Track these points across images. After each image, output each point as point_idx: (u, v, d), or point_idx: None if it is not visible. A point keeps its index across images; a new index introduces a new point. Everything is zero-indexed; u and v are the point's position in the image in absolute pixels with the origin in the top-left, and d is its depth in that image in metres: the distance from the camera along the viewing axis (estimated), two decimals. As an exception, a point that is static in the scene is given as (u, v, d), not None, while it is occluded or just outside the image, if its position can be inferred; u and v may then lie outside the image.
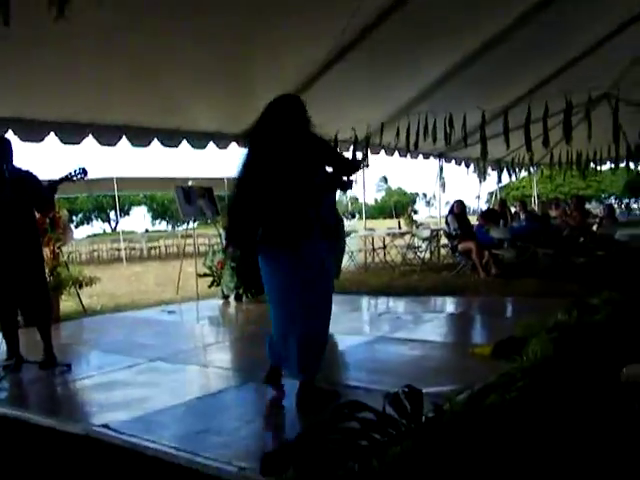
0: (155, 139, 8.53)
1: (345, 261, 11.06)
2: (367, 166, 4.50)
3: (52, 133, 7.52)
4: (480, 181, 15.69)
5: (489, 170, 15.53)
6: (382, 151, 11.33)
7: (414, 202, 77.09)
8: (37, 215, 5.92)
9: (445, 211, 13.50)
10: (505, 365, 4.13)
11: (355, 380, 4.58)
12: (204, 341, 7.31)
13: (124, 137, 8.19)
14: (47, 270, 7.05)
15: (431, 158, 13.67)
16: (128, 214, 55.85)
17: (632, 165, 13.52)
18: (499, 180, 16.70)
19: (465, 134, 10.31)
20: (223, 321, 8.83)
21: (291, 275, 4.06)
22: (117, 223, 51.82)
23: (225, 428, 3.83)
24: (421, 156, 12.99)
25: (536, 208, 18.57)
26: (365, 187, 15.59)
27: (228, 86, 8.02)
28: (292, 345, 4.10)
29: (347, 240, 11.22)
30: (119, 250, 24.45)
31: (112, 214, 54.71)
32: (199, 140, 9.09)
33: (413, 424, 2.87)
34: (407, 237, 14.06)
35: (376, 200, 78.52)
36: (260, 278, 4.26)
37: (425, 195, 79.81)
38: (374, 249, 14.28)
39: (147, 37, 6.40)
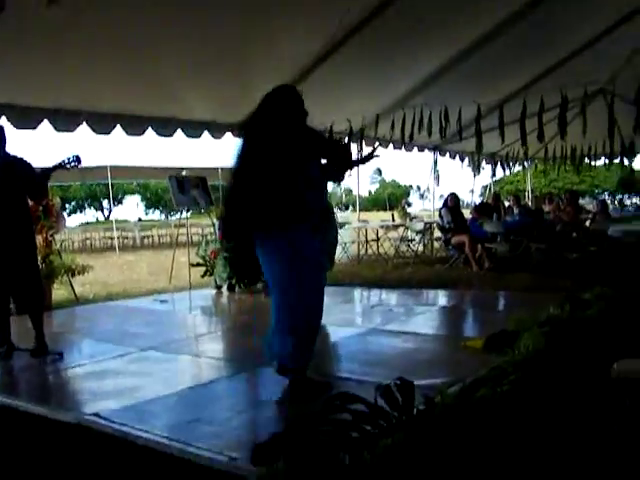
0: (149, 128, 8.49)
1: (338, 253, 11.07)
2: (377, 156, 4.50)
3: (46, 120, 7.47)
4: (474, 175, 15.71)
5: (483, 164, 15.55)
6: (377, 143, 11.31)
7: (408, 194, 77.06)
8: (30, 202, 5.90)
9: (439, 204, 13.52)
10: (497, 358, 4.14)
11: (347, 372, 4.59)
12: (196, 331, 7.30)
13: (118, 125, 8.16)
14: (39, 258, 7.03)
15: (426, 151, 13.67)
16: (121, 203, 55.73)
17: (626, 161, 13.56)
18: (493, 174, 16.73)
19: (460, 127, 10.32)
20: (215, 311, 8.83)
21: (283, 265, 4.08)
22: (110, 212, 51.72)
23: (216, 418, 3.83)
24: (416, 149, 12.99)
25: (530, 202, 18.62)
26: (359, 179, 15.54)
27: (224, 76, 7.99)
28: (283, 334, 4.11)
29: (340, 232, 11.22)
30: (112, 239, 24.40)
31: (105, 202, 54.57)
32: (194, 129, 9.06)
33: (404, 416, 2.87)
34: (400, 229, 14.06)
35: (370, 192, 78.47)
36: (253, 268, 4.27)
37: (419, 188, 79.80)
38: (367, 241, 14.29)
39: (143, 25, 6.38)
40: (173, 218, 39.27)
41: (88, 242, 25.83)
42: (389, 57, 8.45)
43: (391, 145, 11.86)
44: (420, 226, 13.78)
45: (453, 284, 9.17)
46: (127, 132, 8.31)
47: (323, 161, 4.37)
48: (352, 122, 10.08)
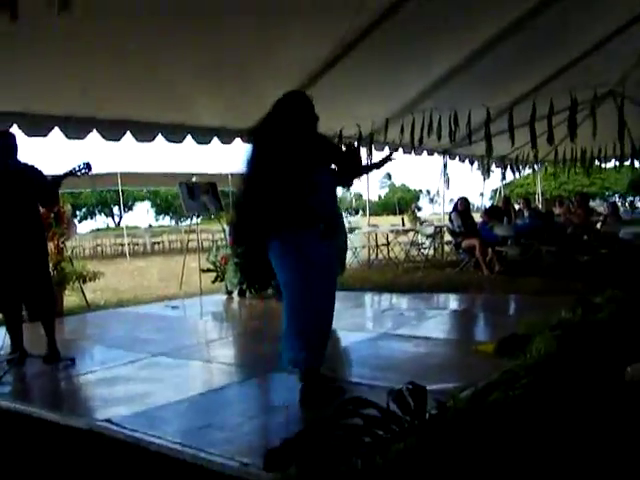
0: (159, 134, 8.52)
1: (349, 257, 11.07)
2: (394, 159, 4.53)
3: (57, 128, 7.51)
4: (484, 178, 15.68)
5: (493, 167, 15.51)
6: (386, 148, 11.30)
7: (418, 199, 76.94)
8: (41, 210, 5.93)
9: (449, 208, 13.49)
10: (508, 362, 4.13)
11: (358, 376, 4.58)
12: (207, 336, 7.31)
13: (128, 132, 8.19)
14: (51, 265, 7.07)
15: (435, 155, 13.64)
16: (132, 209, 56.02)
17: (636, 163, 13.50)
18: (503, 177, 16.68)
19: (470, 131, 10.29)
20: (226, 317, 8.84)
21: (292, 269, 4.09)
22: (121, 218, 51.93)
23: (228, 424, 3.83)
24: (425, 153, 12.98)
25: (540, 205, 18.54)
26: (369, 183, 15.52)
27: (233, 81, 8.01)
28: (293, 338, 4.12)
29: (351, 236, 11.22)
30: (122, 245, 24.49)
31: (116, 209, 54.81)
32: (203, 135, 9.08)
33: (416, 421, 2.87)
34: (411, 234, 14.04)
35: (380, 196, 78.41)
36: (263, 274, 4.29)
37: (429, 192, 79.65)
38: (377, 246, 14.27)
39: (152, 32, 6.39)
40: (183, 224, 39.37)
41: (99, 249, 25.93)
42: (398, 61, 8.44)
43: (400, 149, 11.83)
44: (430, 230, 13.76)
45: (464, 288, 9.14)
46: (137, 139, 8.34)
47: (333, 166, 4.38)
48: (361, 127, 10.07)
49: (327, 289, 4.13)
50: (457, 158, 14.31)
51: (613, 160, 14.77)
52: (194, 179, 11.38)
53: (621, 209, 17.46)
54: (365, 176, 12.23)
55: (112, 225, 55.32)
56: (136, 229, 32.70)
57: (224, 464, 3.12)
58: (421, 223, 15.39)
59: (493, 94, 9.86)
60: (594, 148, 13.93)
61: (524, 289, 8.54)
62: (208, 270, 10.10)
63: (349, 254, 11.34)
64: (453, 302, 8.66)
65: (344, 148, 4.85)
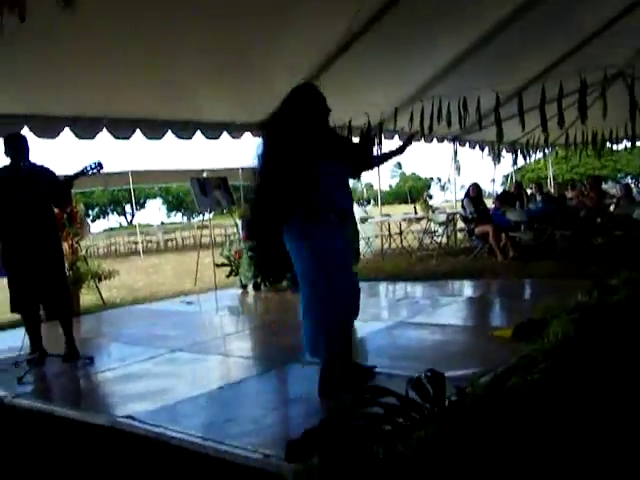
0: (169, 131, 8.55)
1: (362, 247, 11.07)
2: (418, 140, 4.53)
3: (67, 128, 7.55)
4: (495, 164, 15.62)
5: (503, 153, 15.44)
6: (396, 136, 11.27)
7: (429, 187, 76.78)
8: (55, 210, 5.97)
9: (460, 195, 13.45)
10: (526, 347, 4.12)
11: (377, 365, 4.56)
12: (224, 331, 7.33)
13: (138, 130, 8.21)
14: (66, 264, 7.11)
15: (445, 142, 13.60)
16: (144, 207, 56.18)
17: (649, 143, 13.37)
18: (514, 162, 16.60)
19: (479, 117, 10.25)
20: (242, 310, 8.87)
21: (308, 259, 4.11)
22: (133, 216, 52.13)
23: (248, 416, 3.85)
24: (435, 140, 12.93)
25: (552, 190, 18.46)
26: (380, 173, 15.52)
27: (241, 76, 8.00)
28: (310, 327, 4.14)
29: (363, 226, 11.21)
30: (136, 243, 24.58)
31: (128, 207, 54.97)
32: (213, 131, 9.09)
33: (436, 408, 2.87)
34: (423, 222, 14.01)
35: (390, 186, 78.25)
36: (277, 266, 4.30)
37: (440, 180, 79.37)
38: (390, 235, 14.25)
39: (158, 29, 6.40)
40: (195, 220, 39.50)
41: (113, 247, 26.03)
42: (406, 48, 8.41)
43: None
44: (443, 217, 13.72)
45: (478, 274, 9.12)
46: (147, 136, 8.37)
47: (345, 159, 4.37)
48: (370, 116, 10.04)
49: (343, 278, 4.14)
50: (467, 145, 14.26)
51: (625, 141, 14.67)
52: (205, 174, 11.39)
53: (634, 190, 17.34)
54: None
55: (125, 224, 55.52)
56: (149, 227, 32.73)
57: (246, 456, 3.14)
58: (433, 211, 15.36)
59: (502, 78, 9.79)
60: (605, 130, 13.84)
61: (539, 274, 8.51)
62: (222, 265, 10.13)
63: (362, 244, 11.33)
64: (468, 289, 8.65)
65: (357, 139, 4.84)
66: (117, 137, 8.10)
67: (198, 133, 8.87)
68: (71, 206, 7.96)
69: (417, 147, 13.42)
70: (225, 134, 9.23)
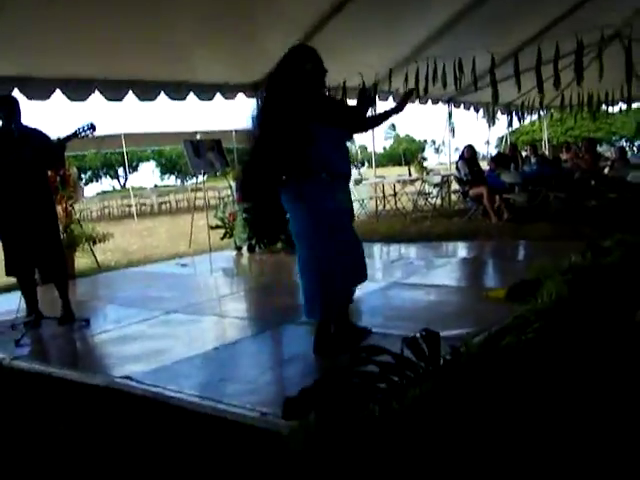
0: (162, 92, 8.46)
1: (356, 209, 11.06)
2: (413, 101, 4.43)
3: (58, 90, 7.46)
4: (489, 126, 15.55)
5: (498, 114, 15.37)
6: (390, 97, 11.20)
7: (423, 149, 76.39)
8: (48, 173, 5.93)
9: (455, 157, 13.43)
10: (520, 308, 4.16)
11: (371, 326, 4.59)
12: (218, 292, 7.36)
13: (130, 92, 8.13)
14: (60, 227, 7.10)
15: (440, 103, 13.52)
16: (137, 170, 55.84)
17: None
18: (509, 124, 16.52)
19: (475, 78, 10.17)
20: (237, 272, 8.89)
21: (303, 220, 4.14)
22: (126, 179, 51.86)
23: (245, 376, 3.89)
24: (430, 101, 12.84)
25: (547, 152, 18.42)
26: (374, 135, 15.47)
27: (233, 36, 7.91)
28: (308, 289, 4.16)
29: (358, 188, 11.19)
30: (130, 206, 24.49)
31: (121, 171, 54.67)
32: (206, 92, 9.01)
33: (431, 366, 2.91)
34: (418, 184, 14.00)
35: (384, 148, 77.93)
36: (272, 228, 4.30)
37: (434, 142, 79.06)
38: (385, 196, 14.24)
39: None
40: (189, 183, 39.33)
41: (106, 211, 25.95)
42: (401, 7, 8.32)
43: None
44: (437, 179, 13.71)
45: (472, 236, 9.14)
46: (139, 98, 8.29)
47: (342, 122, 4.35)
48: (365, 77, 9.95)
49: (339, 240, 4.14)
50: (462, 106, 14.17)
51: (620, 103, 14.61)
52: (198, 137, 11.33)
53: (629, 153, 17.31)
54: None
55: (118, 187, 55.23)
56: (142, 190, 32.57)
57: (243, 414, 3.18)
58: (428, 173, 15.33)
59: (498, 39, 9.71)
60: (601, 92, 13.75)
61: (533, 235, 8.53)
62: (217, 227, 10.13)
63: (356, 205, 11.33)
64: (462, 250, 8.68)
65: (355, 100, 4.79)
66: (109, 99, 8.02)
67: (191, 94, 8.79)
68: (64, 168, 7.91)
69: (411, 109, 13.33)
70: (218, 95, 9.15)
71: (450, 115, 14.07)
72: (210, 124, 18.91)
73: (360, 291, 6.07)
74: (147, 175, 79.28)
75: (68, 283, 5.96)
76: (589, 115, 15.29)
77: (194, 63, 8.39)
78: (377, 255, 9.06)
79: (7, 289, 7.15)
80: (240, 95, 9.35)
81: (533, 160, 13.68)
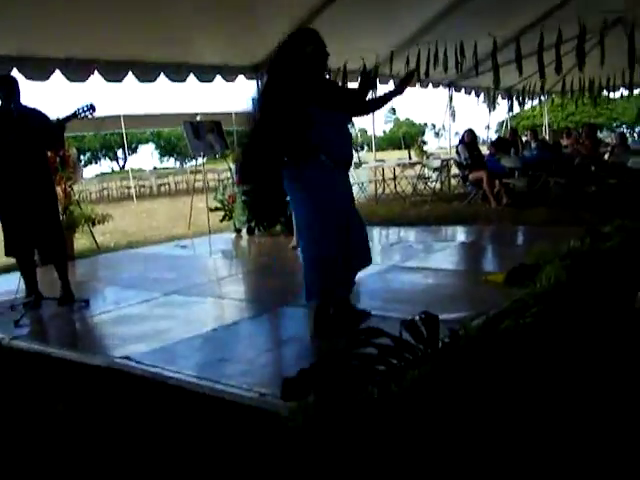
0: (162, 74, 8.42)
1: (355, 192, 11.03)
2: (414, 85, 4.38)
3: (58, 71, 7.42)
4: (490, 111, 15.52)
5: (499, 99, 15.33)
6: (391, 81, 11.15)
7: (423, 133, 76.04)
8: (48, 154, 5.92)
9: (455, 142, 13.40)
10: (518, 292, 4.16)
11: (371, 308, 4.60)
12: (218, 274, 7.37)
13: (130, 73, 8.09)
14: (60, 208, 7.09)
15: (441, 87, 13.47)
16: (136, 152, 55.61)
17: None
18: (510, 109, 16.48)
19: (476, 62, 10.13)
20: (236, 254, 8.90)
21: (302, 202, 4.16)
22: (125, 161, 51.66)
23: (243, 357, 3.91)
24: (431, 85, 12.79)
25: (547, 137, 18.38)
26: (374, 119, 15.43)
27: (234, 18, 7.85)
28: (307, 271, 4.17)
29: (357, 171, 11.17)
30: (129, 188, 24.45)
31: (120, 152, 54.46)
32: (206, 74, 8.95)
33: (430, 349, 2.91)
34: (417, 168, 13.98)
35: (384, 132, 77.55)
36: (271, 211, 4.32)
37: (434, 126, 78.71)
38: (384, 180, 14.22)
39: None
40: (188, 165, 39.23)
41: (105, 192, 25.88)
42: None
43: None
44: (437, 163, 13.69)
45: (471, 220, 9.14)
46: (139, 79, 8.24)
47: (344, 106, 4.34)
48: (366, 60, 9.91)
49: (340, 223, 4.14)
50: (463, 90, 14.12)
51: (622, 89, 14.57)
52: (198, 118, 11.29)
53: (629, 139, 17.25)
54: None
55: (117, 169, 55.03)
56: (141, 172, 32.48)
57: (242, 395, 3.20)
58: (428, 157, 15.30)
59: (499, 23, 9.67)
60: (602, 77, 13.71)
61: (532, 220, 8.53)
62: (216, 209, 10.12)
63: (356, 189, 11.31)
64: (461, 234, 8.68)
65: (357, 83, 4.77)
66: (109, 80, 7.97)
67: (191, 76, 8.75)
68: (64, 149, 7.89)
69: (412, 93, 13.29)
70: (219, 77, 9.11)
71: (451, 99, 14.03)
72: (210, 106, 18.84)
73: (359, 274, 6.12)
74: (146, 157, 79.22)
75: (67, 264, 5.96)
76: (590, 101, 15.26)
77: (194, 44, 8.34)
78: (376, 238, 9.03)
79: (7, 270, 7.16)
80: (240, 77, 9.30)
81: (533, 145, 13.65)
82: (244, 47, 8.58)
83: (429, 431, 2.32)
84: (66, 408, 3.29)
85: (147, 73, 8.31)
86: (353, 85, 9.37)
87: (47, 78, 7.40)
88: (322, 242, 4.09)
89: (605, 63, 9.41)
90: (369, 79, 5.26)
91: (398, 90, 4.49)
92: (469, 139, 11.45)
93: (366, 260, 4.42)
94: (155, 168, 44.00)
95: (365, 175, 14.01)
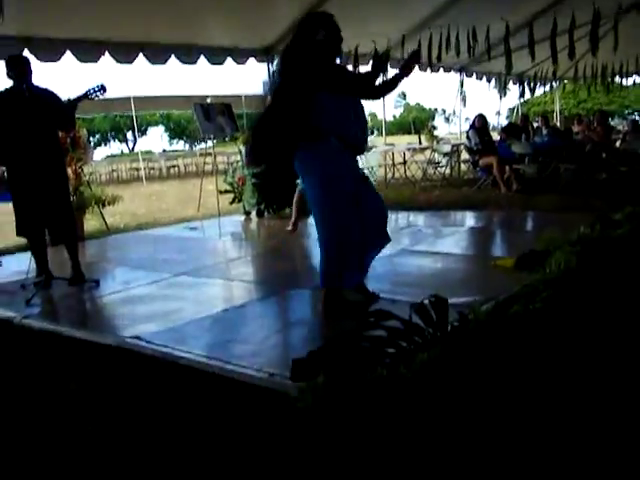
0: (172, 56, 8.42)
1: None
2: (424, 70, 4.33)
3: (68, 51, 7.44)
4: (501, 97, 15.43)
5: (510, 85, 15.23)
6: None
7: (433, 118, 75.69)
8: (59, 134, 5.94)
9: (465, 127, 13.34)
10: (528, 277, 4.16)
11: (380, 291, 4.62)
12: (227, 256, 7.38)
13: (141, 54, 8.10)
14: (70, 189, 7.11)
15: (452, 72, 13.39)
16: (145, 134, 55.64)
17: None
18: (521, 95, 16.37)
19: (489, 46, 10.06)
20: (245, 236, 8.92)
21: (314, 185, 4.18)
22: (135, 143, 51.73)
23: (253, 338, 3.93)
24: (442, 70, 12.73)
25: (558, 124, 18.28)
26: (384, 103, 15.36)
27: (245, 0, 7.84)
28: (321, 255, 4.20)
29: (367, 155, 11.13)
30: (138, 170, 24.48)
31: (129, 134, 54.50)
32: (217, 56, 8.95)
33: (439, 332, 2.92)
34: (427, 152, 13.94)
35: (394, 116, 77.24)
36: (281, 193, 4.34)
37: (444, 111, 78.34)
38: (394, 164, 14.18)
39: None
40: (198, 148, 39.24)
41: (115, 174, 25.91)
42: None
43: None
44: (447, 148, 13.64)
45: (481, 206, 9.11)
46: (150, 61, 8.26)
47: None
48: (377, 44, 9.86)
49: (349, 205, 4.15)
50: (474, 76, 14.04)
51: (635, 76, 14.45)
52: (209, 100, 11.27)
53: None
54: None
55: (126, 151, 55.09)
56: (150, 154, 32.51)
57: (251, 375, 3.22)
58: (438, 141, 15.25)
59: (512, 8, 9.59)
60: (615, 64, 13.59)
61: (542, 206, 8.50)
62: (226, 191, 10.11)
63: (366, 173, 11.29)
64: (471, 219, 8.67)
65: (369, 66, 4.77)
66: (120, 61, 7.99)
67: (202, 58, 8.74)
68: (74, 130, 7.90)
69: (422, 77, 13.20)
70: (229, 60, 9.09)
71: (462, 84, 13.95)
72: (220, 89, 18.84)
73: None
74: (156, 139, 79.26)
75: (78, 244, 6.00)
76: (602, 88, 15.13)
77: (205, 27, 8.34)
78: (386, 222, 9.04)
79: (18, 249, 7.20)
80: (251, 60, 9.29)
81: (544, 131, 13.57)
82: (255, 29, 8.57)
83: (438, 413, 2.33)
84: (78, 387, 3.32)
85: (158, 55, 8.32)
86: (365, 69, 9.34)
87: (58, 59, 7.43)
88: (331, 223, 4.11)
89: (618, 49, 9.33)
90: (382, 63, 5.23)
91: (403, 72, 4.42)
92: (480, 124, 11.40)
93: (384, 238, 4.42)
94: (164, 150, 44.04)
95: (375, 159, 13.97)
